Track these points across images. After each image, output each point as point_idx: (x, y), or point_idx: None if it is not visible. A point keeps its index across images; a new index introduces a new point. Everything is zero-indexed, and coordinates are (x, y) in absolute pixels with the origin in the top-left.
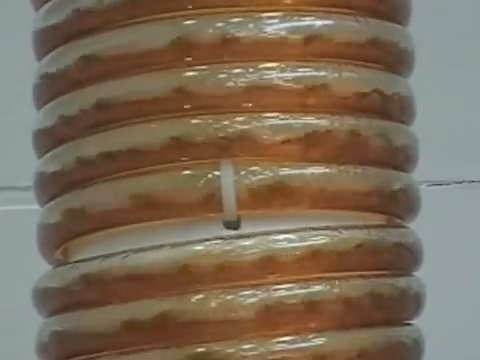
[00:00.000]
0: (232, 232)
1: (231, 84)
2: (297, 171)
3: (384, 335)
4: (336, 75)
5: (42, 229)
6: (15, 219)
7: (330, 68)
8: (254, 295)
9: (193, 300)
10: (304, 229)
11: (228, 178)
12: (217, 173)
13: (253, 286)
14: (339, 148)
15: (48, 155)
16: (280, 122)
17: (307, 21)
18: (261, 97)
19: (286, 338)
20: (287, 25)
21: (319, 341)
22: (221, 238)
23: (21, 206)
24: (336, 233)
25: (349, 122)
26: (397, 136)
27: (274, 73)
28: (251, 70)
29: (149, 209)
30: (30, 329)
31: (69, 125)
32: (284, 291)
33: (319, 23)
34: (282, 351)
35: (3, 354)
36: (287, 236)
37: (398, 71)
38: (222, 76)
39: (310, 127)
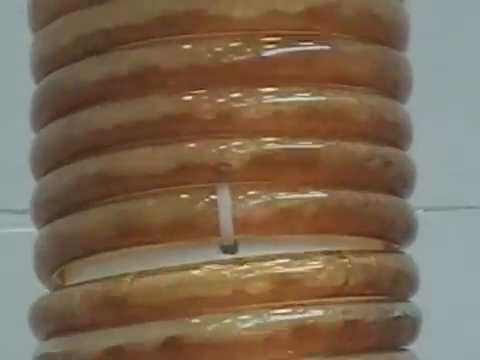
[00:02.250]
0: (229, 256)
1: (228, 108)
2: (294, 196)
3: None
4: (334, 100)
5: (38, 252)
6: (12, 242)
7: (328, 93)
8: (251, 320)
9: (190, 324)
10: (302, 254)
11: (225, 202)
12: (214, 197)
13: (250, 310)
14: (336, 172)
15: (45, 178)
16: (278, 146)
17: (305, 46)
18: (259, 121)
19: None
20: (285, 50)
21: None
22: (218, 262)
23: (18, 229)
24: (333, 258)
25: (347, 147)
26: (395, 161)
27: (272, 97)
28: (249, 94)
29: (146, 233)
30: (28, 352)
31: (66, 148)
32: (281, 316)
33: (318, 48)
34: None
35: None
36: (284, 261)
37: (395, 96)
38: (220, 100)
39: (308, 152)
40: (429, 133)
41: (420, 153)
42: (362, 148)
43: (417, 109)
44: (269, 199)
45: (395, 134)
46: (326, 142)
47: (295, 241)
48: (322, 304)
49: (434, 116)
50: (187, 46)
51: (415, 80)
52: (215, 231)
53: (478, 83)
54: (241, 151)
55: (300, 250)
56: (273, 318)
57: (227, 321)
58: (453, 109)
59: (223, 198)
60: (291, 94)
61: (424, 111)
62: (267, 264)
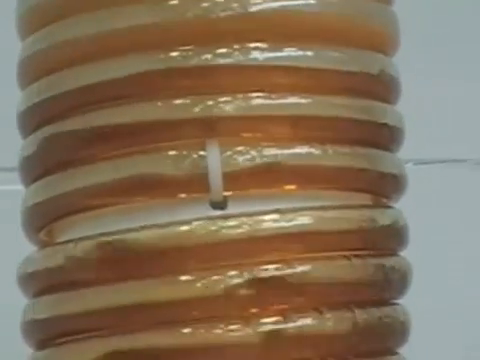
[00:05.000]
0: (218, 212)
1: (215, 64)
2: (283, 151)
3: (369, 315)
4: (321, 55)
5: (26, 210)
6: (0, 200)
7: (315, 48)
8: (240, 275)
9: (179, 281)
10: (290, 209)
11: (214, 158)
12: (203, 153)
13: (239, 266)
14: (325, 128)
15: (32, 135)
16: (266, 102)
17: (293, 1)
18: (246, 77)
19: (272, 319)
20: (272, 4)
21: (306, 321)
22: (207, 218)
23: (6, 187)
24: (322, 213)
25: (335, 102)
26: (383, 115)
27: (260, 53)
28: (237, 50)
29: (134, 190)
30: (16, 310)
31: (53, 105)
32: (270, 271)
33: (303, 2)
34: (269, 331)
35: None
36: (273, 216)
37: (383, 50)
38: (206, 56)
39: (296, 107)
40: (417, 86)
41: (409, 106)
42: (350, 103)
43: (405, 61)
44: (257, 154)
45: (383, 88)
46: (314, 97)
47: (284, 197)
48: (312, 259)
49: (422, 68)
50: (174, 2)
51: (402, 31)
52: (204, 187)
53: (465, 34)
54: (229, 106)
55: (289, 205)
56: (262, 274)
57: (215, 277)
58: (441, 61)
59: (212, 153)
60: (278, 49)
61: (412, 64)
62: (256, 219)
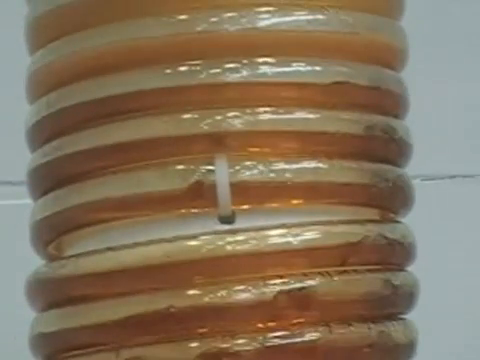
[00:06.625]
0: (226, 227)
1: (224, 78)
2: (290, 166)
3: (377, 330)
4: (329, 70)
5: (35, 224)
6: (8, 214)
7: (323, 63)
8: (247, 290)
9: (187, 295)
10: (297, 224)
11: (223, 173)
12: (211, 168)
13: (246, 281)
14: (332, 143)
15: (41, 149)
16: (273, 117)
17: (301, 16)
18: (255, 91)
19: (279, 333)
20: (280, 20)
21: (313, 336)
22: (214, 233)
23: (14, 201)
24: (329, 228)
25: (343, 117)
26: (391, 130)
27: (268, 68)
28: (245, 65)
29: (142, 204)
30: (23, 325)
31: (62, 119)
32: (277, 286)
33: (311, 18)
34: (276, 346)
35: None
36: (280, 231)
37: (390, 65)
38: (215, 71)
39: (304, 122)
40: (426, 101)
41: (417, 122)
42: (359, 118)
43: (416, 76)
44: (265, 169)
45: (392, 103)
46: (321, 112)
47: (292, 211)
48: (319, 274)
49: (433, 84)
50: (183, 17)
51: (413, 47)
52: (212, 201)
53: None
54: (237, 121)
55: (297, 220)
56: (270, 288)
57: (222, 292)
58: (453, 77)
59: (220, 168)
60: (287, 64)
61: (423, 79)
62: (263, 234)
